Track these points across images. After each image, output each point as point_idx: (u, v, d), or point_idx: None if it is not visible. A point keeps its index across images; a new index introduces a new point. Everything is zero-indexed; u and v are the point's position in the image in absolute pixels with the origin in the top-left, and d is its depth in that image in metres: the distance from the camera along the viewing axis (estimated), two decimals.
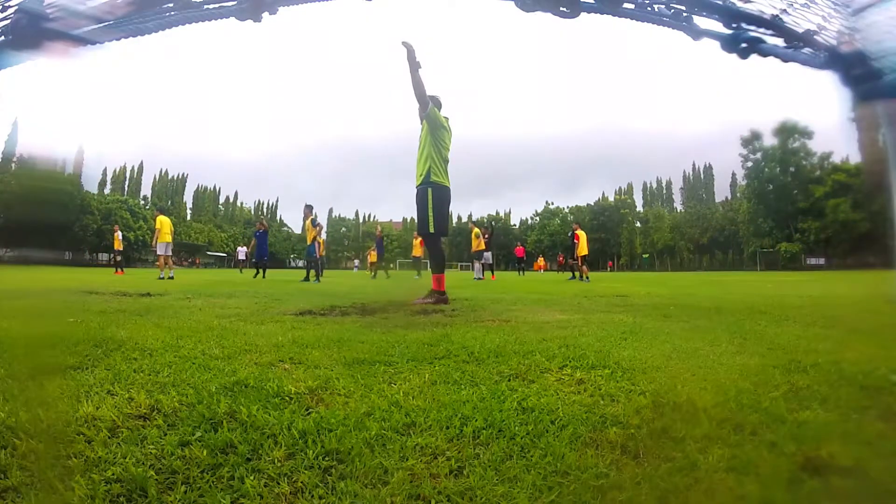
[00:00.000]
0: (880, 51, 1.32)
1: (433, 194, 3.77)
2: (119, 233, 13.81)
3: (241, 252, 21.74)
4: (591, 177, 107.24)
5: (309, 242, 10.48)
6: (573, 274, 12.49)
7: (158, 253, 9.83)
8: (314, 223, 10.58)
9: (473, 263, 12.76)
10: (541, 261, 38.13)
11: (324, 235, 11.47)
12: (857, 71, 1.32)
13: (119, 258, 13.83)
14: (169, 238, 10.07)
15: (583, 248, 11.92)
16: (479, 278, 11.30)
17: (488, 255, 13.25)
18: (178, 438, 0.89)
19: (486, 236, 13.21)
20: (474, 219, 71.35)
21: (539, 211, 65.47)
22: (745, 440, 0.90)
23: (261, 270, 11.93)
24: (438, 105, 4.02)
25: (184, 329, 2.16)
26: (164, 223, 10.10)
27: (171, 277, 9.12)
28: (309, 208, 10.80)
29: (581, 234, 12.13)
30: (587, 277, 11.50)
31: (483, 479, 0.77)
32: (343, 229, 73.88)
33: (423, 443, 0.90)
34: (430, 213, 3.75)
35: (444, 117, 3.97)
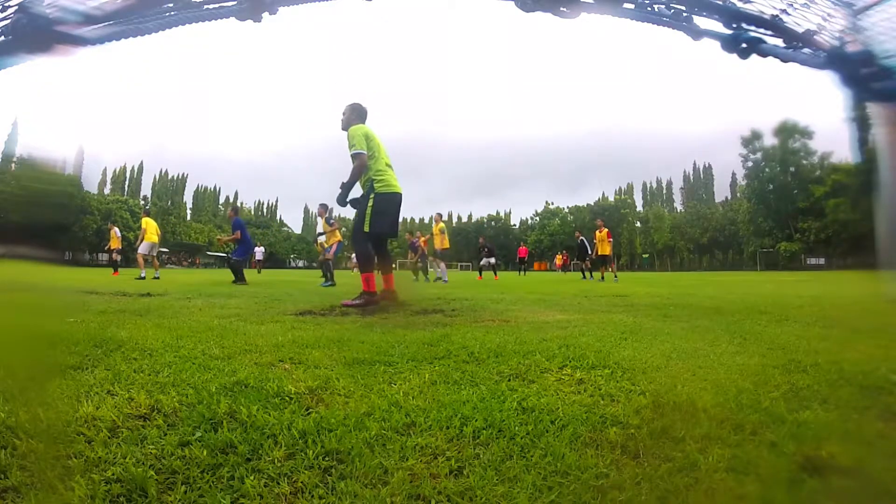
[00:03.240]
0: (885, 51, 1.32)
1: (375, 200, 3.68)
2: (116, 230, 12.95)
3: (259, 252, 21.53)
4: (591, 177, 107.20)
5: (329, 243, 10.27)
6: (602, 275, 12.27)
7: (141, 252, 9.81)
8: (329, 221, 10.30)
9: (437, 262, 11.41)
10: (558, 259, 36.39)
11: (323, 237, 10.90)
12: (866, 70, 1.32)
13: (118, 257, 13.49)
14: (155, 239, 10.07)
15: (606, 248, 11.88)
16: (446, 281, 10.66)
17: (492, 259, 13.42)
18: (178, 438, 0.89)
19: (486, 249, 13.39)
20: (475, 219, 71.34)
21: (539, 211, 65.48)
22: (745, 440, 0.90)
23: (236, 273, 8.45)
24: (363, 117, 3.92)
25: (184, 329, 2.16)
26: (149, 224, 10.13)
27: (157, 277, 9.14)
28: (324, 207, 10.51)
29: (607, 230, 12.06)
30: (596, 276, 11.63)
31: (483, 479, 0.77)
32: (343, 229, 73.69)
33: (423, 443, 0.90)
34: (368, 213, 3.66)
35: (367, 130, 3.80)
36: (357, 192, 3.83)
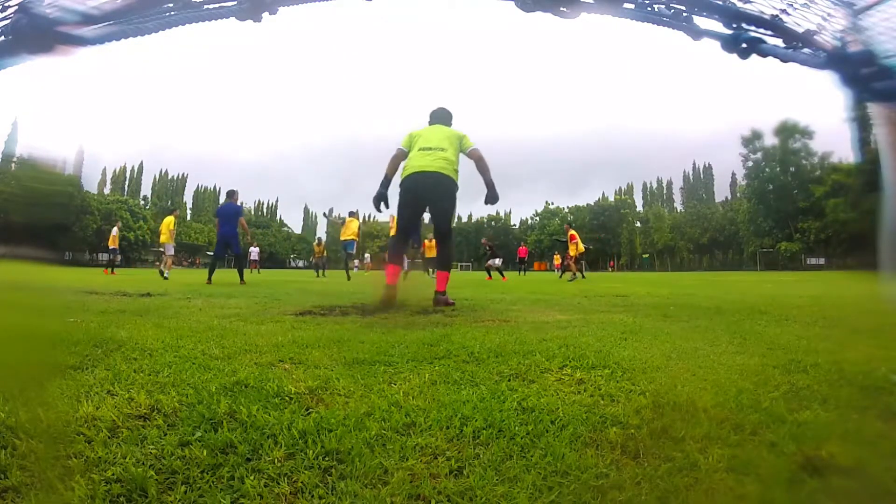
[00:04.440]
0: (885, 51, 1.31)
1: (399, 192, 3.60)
2: (115, 229, 12.63)
3: (255, 252, 21.48)
4: (591, 177, 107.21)
5: (344, 237, 10.20)
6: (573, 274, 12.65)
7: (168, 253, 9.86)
8: (338, 218, 10.39)
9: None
10: (557, 259, 35.63)
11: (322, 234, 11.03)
12: (866, 70, 1.31)
13: (118, 257, 13.30)
14: (163, 239, 10.04)
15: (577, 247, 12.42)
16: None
17: (499, 260, 13.63)
18: (178, 438, 0.89)
19: (490, 248, 13.65)
20: (475, 219, 71.18)
21: (539, 211, 65.47)
22: (745, 440, 0.90)
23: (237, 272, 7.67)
24: (430, 118, 3.96)
25: (184, 329, 2.16)
26: (163, 225, 10.17)
27: (166, 277, 9.20)
28: (330, 211, 10.69)
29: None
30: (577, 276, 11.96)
31: (483, 479, 0.77)
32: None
33: (423, 443, 0.90)
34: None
35: (415, 131, 3.75)
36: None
